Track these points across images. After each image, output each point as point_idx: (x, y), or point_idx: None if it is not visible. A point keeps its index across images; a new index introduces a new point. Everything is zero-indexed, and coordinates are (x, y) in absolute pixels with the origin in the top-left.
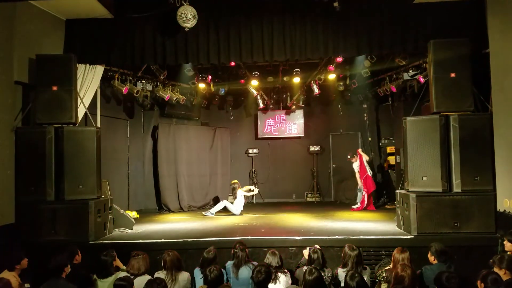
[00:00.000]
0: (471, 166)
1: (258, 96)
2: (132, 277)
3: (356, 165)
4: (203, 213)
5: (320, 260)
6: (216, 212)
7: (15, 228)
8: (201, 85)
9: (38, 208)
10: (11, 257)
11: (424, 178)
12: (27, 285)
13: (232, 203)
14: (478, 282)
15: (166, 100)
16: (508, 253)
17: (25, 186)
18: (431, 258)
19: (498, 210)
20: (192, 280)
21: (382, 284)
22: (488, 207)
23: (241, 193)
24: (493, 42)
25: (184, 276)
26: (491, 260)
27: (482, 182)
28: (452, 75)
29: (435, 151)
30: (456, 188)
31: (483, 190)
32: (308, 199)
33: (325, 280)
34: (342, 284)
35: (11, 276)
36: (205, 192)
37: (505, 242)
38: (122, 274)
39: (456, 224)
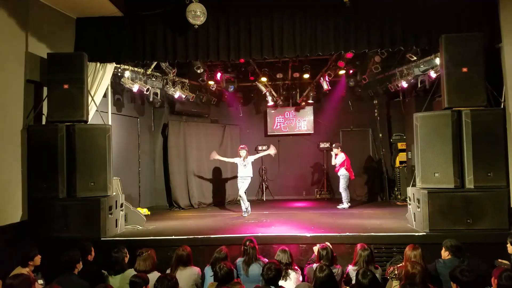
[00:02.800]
0: (484, 162)
1: (268, 93)
2: None
3: (340, 158)
4: (244, 215)
5: (329, 256)
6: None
7: (28, 224)
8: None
9: (50, 205)
10: (24, 254)
11: (436, 175)
12: (40, 281)
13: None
14: (492, 279)
15: (176, 98)
16: None
17: (37, 183)
18: (445, 254)
19: (511, 206)
20: (203, 278)
21: (394, 282)
22: (502, 203)
23: (251, 158)
24: (505, 35)
25: (193, 271)
26: (499, 260)
27: (495, 178)
28: (464, 70)
29: (447, 147)
30: (469, 184)
31: (496, 186)
32: (318, 196)
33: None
34: (353, 282)
35: (24, 273)
36: (216, 189)
37: (508, 245)
38: (134, 272)
39: (468, 221)
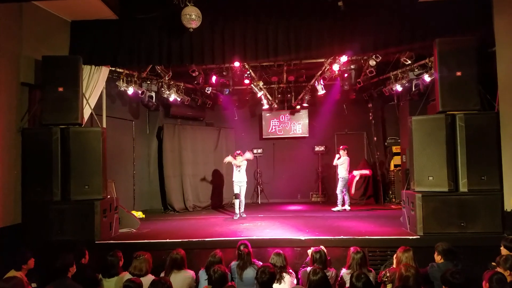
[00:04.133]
0: (477, 165)
1: (263, 96)
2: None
3: (341, 161)
4: (234, 217)
5: (323, 260)
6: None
7: (22, 228)
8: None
9: (44, 208)
10: (18, 257)
11: (430, 178)
12: (33, 285)
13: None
14: (484, 283)
15: (171, 101)
16: None
17: (31, 187)
18: (438, 257)
19: (505, 209)
20: (197, 281)
21: (387, 285)
22: (495, 206)
23: (244, 164)
24: (499, 40)
25: (187, 274)
26: (493, 263)
27: (488, 182)
28: (458, 73)
29: (441, 150)
30: (463, 187)
31: (489, 190)
32: (313, 199)
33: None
34: (347, 285)
35: (18, 276)
36: (210, 192)
37: (501, 248)
38: (128, 275)
39: (462, 224)
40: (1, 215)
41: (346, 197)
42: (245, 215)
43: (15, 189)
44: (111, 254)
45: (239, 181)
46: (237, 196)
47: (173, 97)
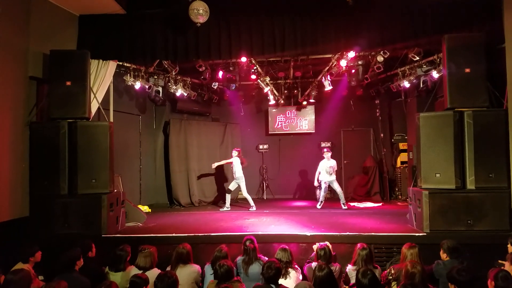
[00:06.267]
0: (485, 162)
1: (269, 92)
2: (141, 271)
3: (333, 163)
4: (221, 209)
5: (327, 256)
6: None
7: (29, 221)
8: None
9: (51, 202)
10: (25, 250)
11: (437, 175)
12: (40, 277)
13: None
14: (489, 281)
15: (178, 96)
16: None
17: (39, 180)
18: (443, 255)
19: None
20: (203, 276)
21: (392, 283)
22: (502, 204)
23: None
24: (508, 36)
25: (193, 269)
26: (500, 261)
27: (496, 179)
28: (467, 70)
29: (448, 147)
30: (470, 185)
31: (497, 187)
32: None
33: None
34: (352, 281)
35: (25, 268)
36: (216, 187)
37: (508, 245)
38: (135, 270)
39: (469, 222)
40: (8, 208)
41: (319, 193)
42: (253, 209)
43: (22, 182)
44: (120, 248)
45: (237, 178)
46: (228, 191)
47: (179, 92)
